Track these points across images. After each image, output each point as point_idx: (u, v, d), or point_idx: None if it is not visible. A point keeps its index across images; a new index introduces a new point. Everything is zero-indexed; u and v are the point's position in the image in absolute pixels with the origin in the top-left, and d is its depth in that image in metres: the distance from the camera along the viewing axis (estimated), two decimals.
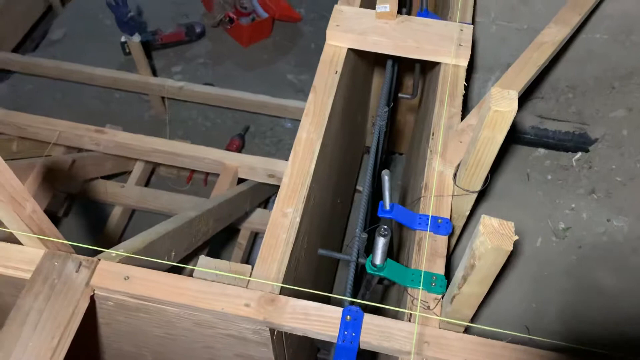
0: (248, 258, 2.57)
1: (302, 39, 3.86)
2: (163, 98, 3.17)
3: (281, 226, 1.15)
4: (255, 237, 2.64)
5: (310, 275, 1.57)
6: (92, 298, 1.05)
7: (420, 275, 1.04)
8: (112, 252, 1.18)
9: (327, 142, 1.35)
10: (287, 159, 2.32)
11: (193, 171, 2.98)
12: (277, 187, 2.47)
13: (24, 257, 1.06)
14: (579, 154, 1.83)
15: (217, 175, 2.38)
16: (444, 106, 1.32)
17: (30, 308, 0.99)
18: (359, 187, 2.89)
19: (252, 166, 2.03)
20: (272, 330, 1.03)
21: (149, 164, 2.72)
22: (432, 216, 1.13)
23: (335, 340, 0.97)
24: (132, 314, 1.11)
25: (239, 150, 3.09)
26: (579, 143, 1.86)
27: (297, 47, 3.82)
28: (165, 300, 1.02)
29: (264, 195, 2.51)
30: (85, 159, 2.26)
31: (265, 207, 2.71)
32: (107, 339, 1.27)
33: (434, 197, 1.16)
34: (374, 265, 1.03)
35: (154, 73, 3.31)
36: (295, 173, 1.23)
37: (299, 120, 3.30)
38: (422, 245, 1.11)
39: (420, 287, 1.01)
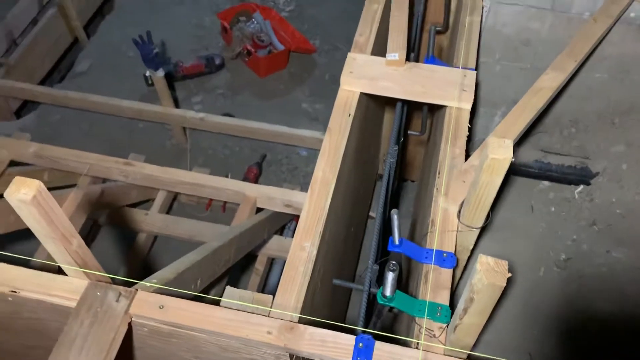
0: (265, 283, 2.67)
1: (316, 70, 4.01)
2: (184, 128, 3.32)
3: (299, 259, 1.26)
4: (272, 263, 2.75)
5: (327, 302, 1.68)
6: (129, 325, 1.16)
7: (426, 306, 1.15)
8: (147, 283, 1.30)
9: (341, 179, 1.46)
10: (302, 187, 2.44)
11: (212, 199, 3.11)
12: (293, 215, 2.60)
13: (69, 287, 1.18)
14: (581, 186, 1.93)
15: (235, 202, 2.50)
16: (448, 147, 1.44)
17: (77, 334, 1.10)
18: (372, 214, 3.00)
19: (270, 196, 2.16)
20: (291, 356, 1.14)
21: (171, 192, 2.85)
22: (437, 250, 1.24)
23: None
24: (164, 339, 1.22)
25: (257, 177, 3.22)
26: (581, 176, 1.96)
27: (312, 78, 3.97)
28: (196, 327, 1.13)
29: (281, 223, 2.63)
30: (113, 188, 2.40)
31: (281, 234, 2.83)
32: None
33: (440, 233, 1.27)
34: (384, 296, 1.14)
35: (176, 104, 3.47)
36: (312, 210, 1.34)
37: (314, 149, 3.42)
38: (428, 278, 1.21)
39: (426, 317, 1.11)
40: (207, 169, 3.22)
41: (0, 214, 1.84)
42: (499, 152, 1.07)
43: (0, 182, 2.28)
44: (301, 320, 1.16)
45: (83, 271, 1.18)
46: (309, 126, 3.41)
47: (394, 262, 1.04)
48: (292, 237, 2.77)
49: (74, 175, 2.54)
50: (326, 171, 1.40)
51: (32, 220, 1.04)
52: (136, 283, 1.29)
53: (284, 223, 2.74)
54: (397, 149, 1.63)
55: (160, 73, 2.91)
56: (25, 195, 0.98)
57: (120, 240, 2.89)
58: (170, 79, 3.65)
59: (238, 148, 3.51)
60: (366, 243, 2.92)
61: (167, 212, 2.97)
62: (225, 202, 3.10)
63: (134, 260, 2.64)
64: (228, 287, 1.23)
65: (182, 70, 3.78)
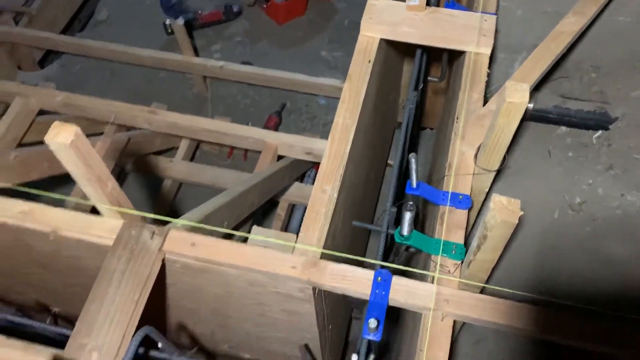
0: (286, 227, 2.76)
1: (336, 16, 3.97)
2: (205, 77, 3.35)
3: (321, 201, 1.32)
4: (292, 209, 2.83)
5: (346, 243, 1.75)
6: (163, 261, 1.25)
7: (441, 244, 1.21)
8: (178, 222, 1.37)
9: (361, 126, 1.50)
10: (321, 135, 2.49)
11: (233, 147, 3.17)
12: (313, 163, 2.66)
13: (106, 227, 1.26)
14: (600, 132, 1.94)
15: (255, 151, 2.56)
16: (467, 92, 1.46)
17: (115, 269, 1.19)
18: (390, 162, 3.04)
19: (291, 144, 2.21)
20: (314, 289, 1.22)
21: (194, 140, 2.92)
22: (453, 193, 1.28)
23: (367, 298, 1.15)
24: (195, 275, 1.31)
25: (277, 126, 3.27)
26: (600, 122, 1.96)
27: (331, 24, 3.93)
28: (226, 262, 1.21)
29: (301, 170, 2.69)
30: (138, 136, 2.47)
31: (301, 181, 2.89)
32: (172, 297, 1.48)
33: (456, 176, 1.31)
34: (402, 235, 1.20)
35: (195, 52, 3.49)
36: (333, 155, 1.39)
37: (333, 98, 3.44)
38: (444, 218, 1.27)
39: (441, 254, 1.18)
40: (228, 118, 3.27)
41: (34, 161, 1.93)
42: (516, 96, 1.10)
43: (31, 131, 2.36)
44: (323, 257, 1.23)
45: (118, 211, 1.26)
46: (328, 74, 3.41)
47: (411, 202, 1.10)
48: (312, 184, 2.84)
49: (99, 124, 2.61)
50: (346, 117, 1.44)
51: (70, 163, 1.11)
52: (167, 223, 1.37)
53: (304, 171, 2.80)
54: (416, 94, 1.65)
55: (180, 21, 2.93)
56: (64, 139, 1.05)
57: (146, 187, 2.99)
58: (189, 27, 3.65)
59: (258, 97, 3.54)
60: (384, 190, 2.97)
61: (190, 160, 3.05)
62: (246, 151, 3.16)
63: (160, 206, 2.75)
64: (255, 227, 1.30)
65: (201, 18, 3.77)
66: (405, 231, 1.17)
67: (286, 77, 3.08)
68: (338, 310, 1.75)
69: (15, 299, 1.83)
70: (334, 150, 1.40)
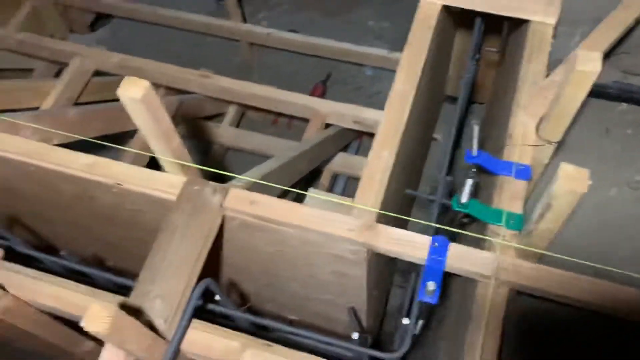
0: None
1: None
2: (251, 44, 3.36)
3: (377, 167, 1.33)
4: (335, 179, 2.85)
5: (394, 211, 1.76)
6: (222, 218, 1.28)
7: (501, 214, 1.20)
8: (239, 179, 1.40)
9: (417, 94, 1.49)
10: (367, 106, 2.48)
11: (278, 115, 3.19)
12: (358, 133, 2.66)
13: (170, 182, 1.30)
14: None
15: (301, 119, 2.58)
16: (530, 63, 1.43)
17: (178, 223, 1.23)
18: (435, 136, 3.01)
19: (341, 113, 2.21)
20: (368, 252, 1.23)
21: (241, 106, 2.95)
22: (513, 163, 1.27)
23: (422, 263, 1.16)
24: (251, 232, 1.34)
25: (322, 95, 3.26)
26: None
27: None
28: (284, 221, 1.24)
29: (346, 140, 2.69)
30: (189, 100, 2.51)
31: (344, 151, 2.90)
32: (225, 254, 1.52)
33: (517, 146, 1.30)
34: (460, 203, 1.20)
35: (244, 20, 3.49)
36: (390, 120, 1.39)
37: (379, 68, 3.39)
38: (503, 188, 1.26)
39: (501, 224, 1.17)
40: (273, 86, 3.28)
41: (92, 119, 1.98)
42: (587, 64, 1.07)
43: (86, 91, 2.42)
44: (378, 221, 1.24)
45: (181, 167, 1.30)
46: (374, 45, 3.36)
47: (474, 169, 1.10)
48: (356, 154, 2.85)
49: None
50: (405, 84, 1.43)
51: (140, 117, 1.14)
52: (224, 182, 1.41)
53: (349, 140, 2.80)
54: (475, 64, 1.63)
55: None
56: (135, 93, 1.08)
57: (194, 151, 3.05)
58: None
59: (303, 66, 3.54)
60: (427, 165, 2.95)
61: (236, 127, 3.08)
62: (291, 119, 3.18)
63: (209, 171, 2.79)
64: (312, 188, 1.32)
65: None
66: (464, 198, 1.17)
67: (333, 45, 3.06)
68: (383, 276, 1.77)
69: (75, 251, 1.91)
70: (391, 116, 1.40)
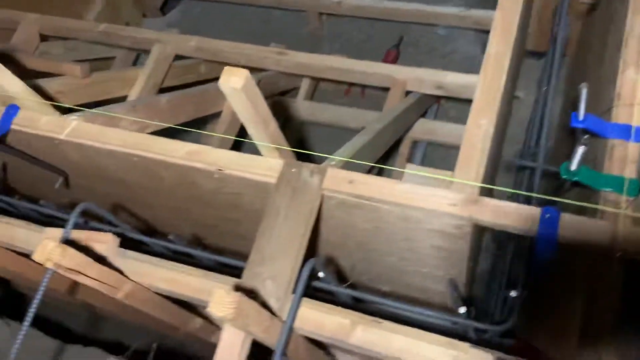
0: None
1: None
2: (320, 14, 3.33)
3: (476, 136, 1.29)
4: (415, 146, 2.81)
5: (486, 180, 1.72)
6: (321, 198, 1.30)
7: (613, 180, 1.14)
8: (334, 158, 1.41)
9: (512, 56, 1.43)
10: (441, 68, 2.40)
11: (351, 85, 3.17)
12: (436, 98, 2.59)
13: (268, 166, 1.33)
14: None
15: (373, 87, 2.54)
16: (637, 15, 1.32)
17: (280, 205, 1.26)
18: (517, 94, 2.89)
19: (421, 79, 2.15)
20: (473, 226, 1.21)
21: (314, 79, 2.94)
22: (624, 125, 1.20)
23: (532, 235, 1.13)
24: (349, 211, 1.35)
25: (395, 61, 3.20)
26: None
27: None
28: (383, 199, 1.24)
29: (426, 106, 2.64)
30: (265, 78, 2.53)
31: (423, 117, 2.84)
32: (323, 232, 1.54)
33: (627, 106, 1.22)
34: (570, 170, 1.15)
35: None
36: (487, 87, 1.34)
37: (453, 27, 3.27)
38: (614, 152, 1.19)
39: (617, 191, 1.12)
40: (344, 54, 3.24)
41: (183, 104, 2.04)
42: None
43: (168, 77, 2.50)
44: (481, 194, 1.22)
45: (277, 151, 1.32)
46: (445, 3, 3.24)
47: (586, 136, 1.04)
48: (434, 118, 2.78)
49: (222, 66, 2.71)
50: (500, 47, 1.38)
51: (240, 105, 1.17)
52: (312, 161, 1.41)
53: (429, 106, 2.74)
54: (567, 19, 1.53)
55: None
56: (236, 83, 1.10)
57: None
58: None
59: (373, 32, 3.47)
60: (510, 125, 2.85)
61: (310, 100, 3.08)
62: (364, 88, 3.14)
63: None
64: (409, 164, 1.30)
65: None
66: (574, 166, 1.12)
67: (404, 7, 2.96)
68: (477, 250, 1.75)
69: (174, 232, 2.00)
70: (488, 81, 1.35)
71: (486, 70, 1.35)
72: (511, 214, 1.15)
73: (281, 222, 1.24)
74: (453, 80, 2.10)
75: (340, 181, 1.27)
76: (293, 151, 1.40)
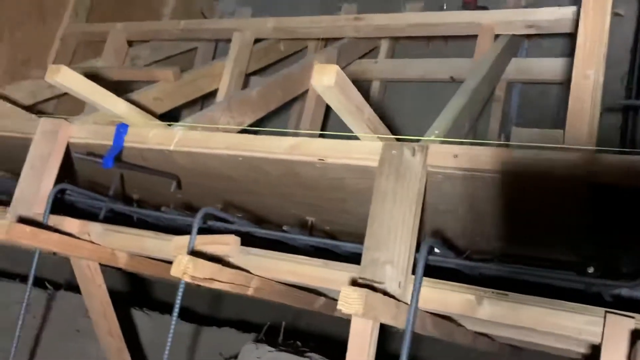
0: (508, 110, 2.63)
1: None
2: None
3: (584, 89, 1.21)
4: (511, 88, 2.67)
5: None
6: (426, 175, 1.29)
7: None
8: (430, 138, 1.39)
9: None
10: (524, 5, 2.23)
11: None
12: (529, 36, 2.42)
13: (367, 150, 1.32)
14: None
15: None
16: None
17: (386, 189, 1.27)
18: (617, 11, 2.63)
19: (510, 20, 2.02)
20: (589, 186, 1.15)
21: (393, 38, 2.86)
22: None
23: None
24: (455, 183, 1.33)
25: (475, 3, 3.01)
26: None
27: None
28: (490, 169, 1.20)
29: (517, 46, 2.48)
30: (344, 46, 2.50)
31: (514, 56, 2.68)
32: (430, 203, 1.53)
33: None
34: None
35: None
36: (590, 32, 1.24)
37: None
38: None
39: None
40: (419, 2, 3.10)
41: (271, 91, 2.08)
42: None
43: (252, 61, 2.54)
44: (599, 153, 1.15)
45: (376, 135, 1.32)
46: None
47: None
48: (526, 56, 2.62)
49: (304, 42, 2.71)
50: None
51: (334, 100, 1.18)
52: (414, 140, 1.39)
53: (519, 45, 2.58)
54: None
55: None
56: (328, 81, 1.11)
57: None
58: None
59: None
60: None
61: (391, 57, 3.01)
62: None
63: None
64: (514, 128, 1.25)
65: None
66: None
67: None
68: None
69: (277, 213, 2.09)
70: (590, 24, 1.25)
71: (586, 11, 1.24)
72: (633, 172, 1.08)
73: (390, 205, 1.25)
74: (544, 16, 1.95)
75: (444, 157, 1.25)
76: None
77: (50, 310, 2.15)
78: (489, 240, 1.69)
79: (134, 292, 2.97)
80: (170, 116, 2.09)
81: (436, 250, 1.28)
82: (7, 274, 2.44)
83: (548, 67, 2.39)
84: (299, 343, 1.84)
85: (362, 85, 2.99)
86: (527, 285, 1.23)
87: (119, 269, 1.75)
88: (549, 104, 2.72)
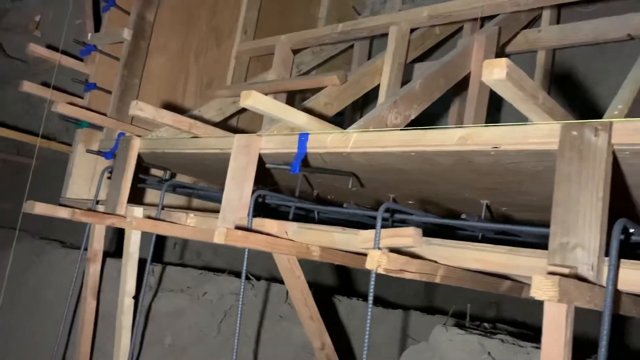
0: None
1: None
2: None
3: None
4: None
5: None
6: (612, 153, 1.24)
7: None
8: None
9: None
10: None
11: None
12: None
13: (545, 133, 1.30)
14: None
15: None
16: None
17: (570, 172, 1.25)
18: None
19: None
20: None
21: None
22: None
23: None
24: None
25: None
26: None
27: None
28: None
29: None
30: (506, 21, 2.42)
31: None
32: (617, 183, 1.46)
33: None
34: None
35: None
36: None
37: None
38: None
39: None
40: None
41: (433, 81, 2.11)
42: None
43: (409, 50, 2.59)
44: None
45: (551, 113, 1.30)
46: None
47: None
48: None
49: (459, 22, 2.69)
50: None
51: (508, 92, 1.20)
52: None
53: None
54: None
55: None
56: (499, 74, 1.13)
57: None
58: None
59: None
60: None
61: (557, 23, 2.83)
62: None
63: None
64: None
65: None
66: None
67: None
68: None
69: (449, 199, 2.13)
70: None
71: None
72: None
73: (575, 189, 1.23)
74: None
75: (632, 133, 1.19)
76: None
77: (254, 299, 2.46)
78: None
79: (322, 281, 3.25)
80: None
81: (631, 230, 1.23)
82: (213, 269, 2.84)
83: None
84: (486, 325, 1.86)
85: (526, 58, 2.88)
86: None
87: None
88: None
